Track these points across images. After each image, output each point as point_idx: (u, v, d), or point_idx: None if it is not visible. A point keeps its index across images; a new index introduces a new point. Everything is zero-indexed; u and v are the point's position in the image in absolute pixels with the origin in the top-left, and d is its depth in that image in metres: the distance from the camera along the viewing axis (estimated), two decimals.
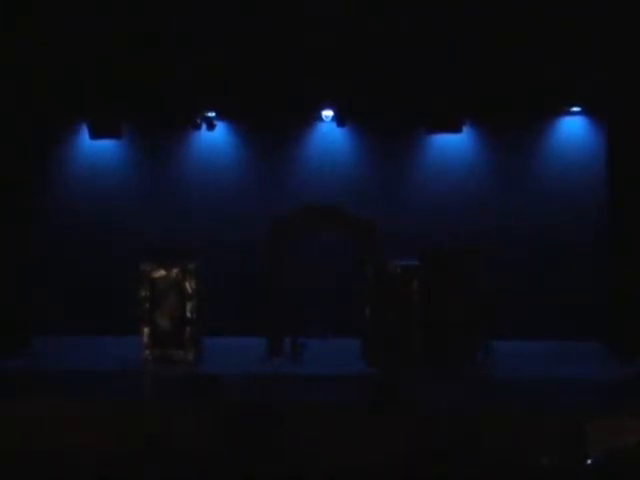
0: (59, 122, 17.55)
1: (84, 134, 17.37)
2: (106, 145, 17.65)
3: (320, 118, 17.39)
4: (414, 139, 17.66)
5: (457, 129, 16.71)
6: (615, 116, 16.42)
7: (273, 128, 17.65)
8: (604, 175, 17.07)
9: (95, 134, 17.08)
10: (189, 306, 15.45)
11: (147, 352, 15.40)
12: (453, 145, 17.48)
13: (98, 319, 17.31)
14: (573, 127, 17.53)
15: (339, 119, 17.20)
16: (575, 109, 17.18)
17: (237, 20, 15.21)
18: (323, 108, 17.12)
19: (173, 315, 15.45)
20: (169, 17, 15.23)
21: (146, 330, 15.41)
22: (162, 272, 15.45)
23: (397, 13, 15.10)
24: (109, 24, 15.15)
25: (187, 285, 15.43)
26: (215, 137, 17.71)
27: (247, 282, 17.28)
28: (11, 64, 15.39)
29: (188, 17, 15.22)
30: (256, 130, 17.79)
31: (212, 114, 17.13)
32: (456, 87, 15.69)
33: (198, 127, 17.28)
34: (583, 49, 15.17)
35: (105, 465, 10.20)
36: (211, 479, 9.80)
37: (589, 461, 10.61)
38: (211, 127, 17.29)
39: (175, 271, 15.46)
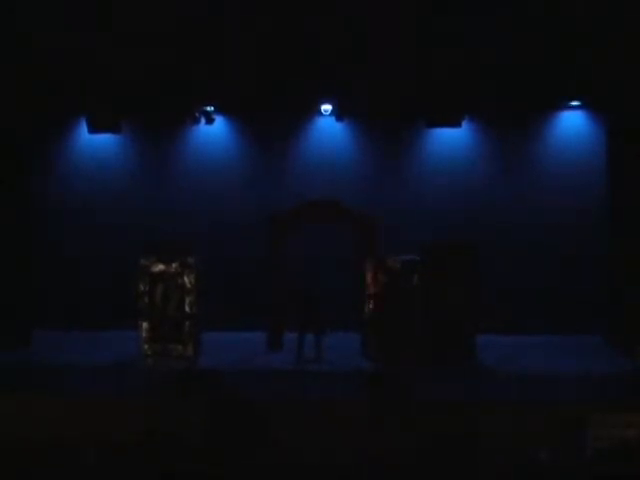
0: (57, 117, 17.50)
1: (82, 129, 17.30)
2: (105, 140, 17.60)
3: (319, 112, 17.36)
4: (413, 133, 17.63)
5: (456, 123, 16.68)
6: (614, 110, 16.40)
7: (272, 122, 17.61)
8: (604, 169, 17.06)
9: (94, 129, 17.01)
10: (188, 300, 15.42)
11: (146, 346, 15.36)
12: (452, 139, 17.44)
13: (97, 313, 17.30)
14: (572, 121, 17.50)
15: (338, 113, 17.17)
16: (574, 103, 17.16)
17: (237, 14, 15.17)
18: (322, 102, 17.09)
19: (172, 310, 15.42)
20: (169, 13, 15.19)
21: (145, 324, 15.38)
22: (161, 267, 15.43)
23: (397, 8, 15.06)
24: (110, 19, 15.12)
25: (186, 279, 15.40)
26: (214, 131, 17.67)
27: (246, 276, 17.25)
28: (10, 59, 15.35)
29: (187, 12, 15.18)
30: (255, 124, 17.75)
31: (211, 108, 17.09)
32: (455, 81, 15.65)
33: (197, 121, 17.25)
34: (583, 43, 15.14)
35: (104, 459, 10.22)
36: (209, 472, 9.80)
37: (589, 455, 10.63)
38: (210, 121, 17.26)
39: (174, 266, 15.43)
